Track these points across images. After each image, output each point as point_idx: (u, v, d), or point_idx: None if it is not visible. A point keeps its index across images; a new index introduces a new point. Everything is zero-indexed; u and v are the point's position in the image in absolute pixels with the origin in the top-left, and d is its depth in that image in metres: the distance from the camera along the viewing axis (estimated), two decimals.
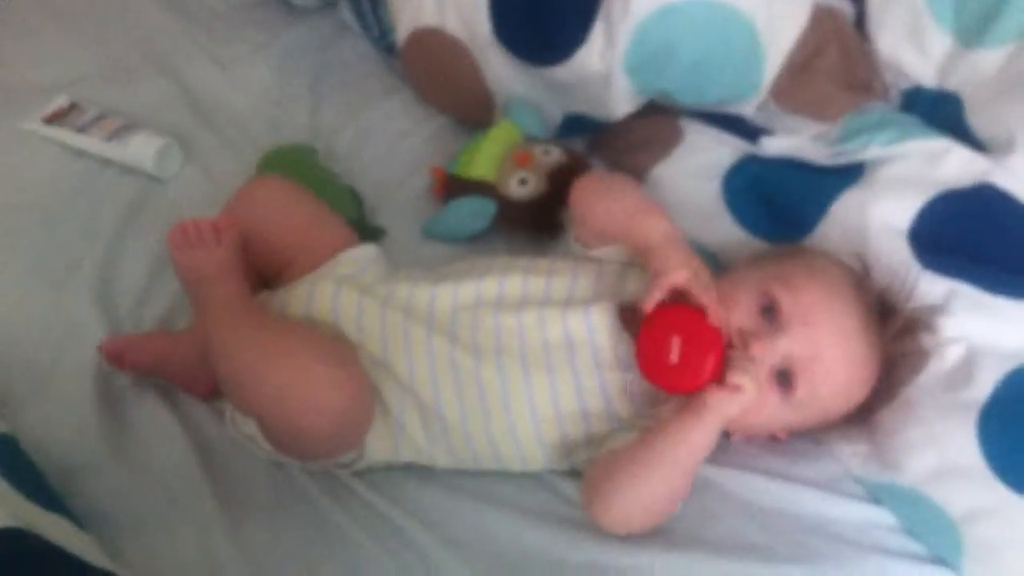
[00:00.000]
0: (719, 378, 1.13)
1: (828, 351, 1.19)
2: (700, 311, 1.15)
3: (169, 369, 1.37)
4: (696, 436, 1.14)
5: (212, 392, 1.36)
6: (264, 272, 1.41)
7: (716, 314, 1.15)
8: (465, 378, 1.24)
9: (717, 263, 1.46)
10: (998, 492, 1.14)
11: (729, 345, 1.16)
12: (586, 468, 1.24)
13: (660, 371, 1.16)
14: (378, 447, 1.27)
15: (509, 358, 1.24)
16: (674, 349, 1.14)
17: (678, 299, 1.17)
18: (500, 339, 1.25)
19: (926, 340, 1.24)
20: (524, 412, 1.24)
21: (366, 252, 1.43)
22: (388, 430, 1.26)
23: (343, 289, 1.32)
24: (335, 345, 1.26)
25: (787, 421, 1.25)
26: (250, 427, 1.26)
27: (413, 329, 1.27)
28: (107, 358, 1.37)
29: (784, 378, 1.19)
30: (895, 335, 1.24)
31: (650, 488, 1.17)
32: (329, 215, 1.46)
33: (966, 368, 1.20)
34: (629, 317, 1.24)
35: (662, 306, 1.16)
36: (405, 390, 1.26)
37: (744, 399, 1.12)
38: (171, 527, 1.23)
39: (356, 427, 1.23)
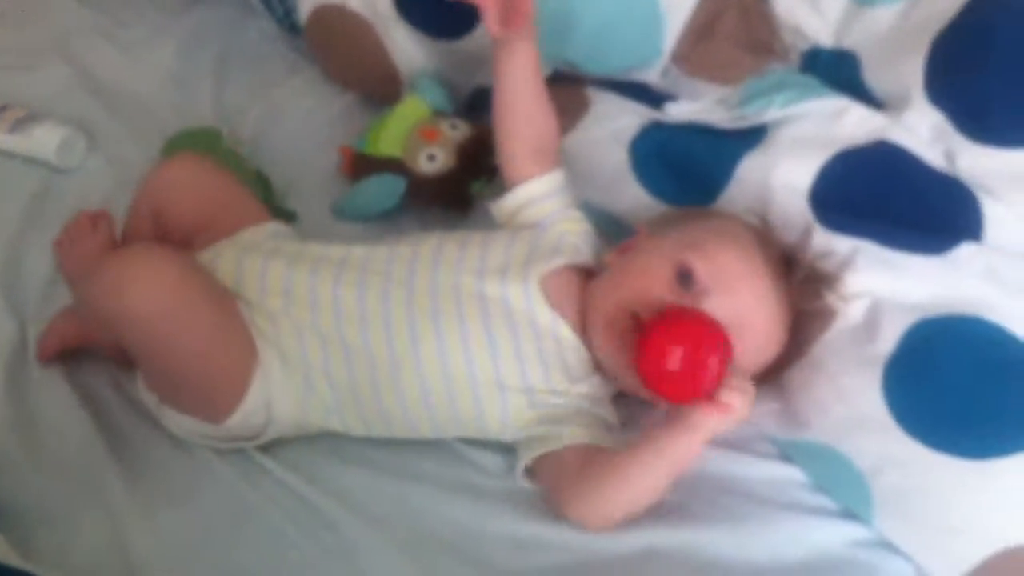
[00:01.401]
0: (714, 391, 1.11)
1: (749, 311, 1.20)
2: (702, 318, 1.15)
3: (91, 339, 1.37)
4: (683, 451, 1.14)
5: None
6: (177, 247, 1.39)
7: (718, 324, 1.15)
8: (372, 329, 1.24)
9: (627, 231, 1.47)
10: (904, 443, 1.15)
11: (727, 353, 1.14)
12: (548, 467, 1.22)
13: (660, 377, 1.13)
14: (284, 407, 1.26)
15: (420, 310, 1.24)
16: (675, 357, 1.11)
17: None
18: (412, 288, 1.25)
19: (831, 298, 1.25)
20: (433, 360, 1.23)
21: (273, 227, 1.43)
22: (293, 386, 1.25)
23: (248, 253, 1.32)
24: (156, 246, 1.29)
25: None
26: (149, 394, 1.28)
27: (320, 275, 1.27)
28: (48, 355, 1.37)
29: None
30: (800, 285, 1.25)
31: (636, 495, 1.17)
32: (243, 192, 1.46)
33: (871, 323, 1.22)
34: (551, 286, 1.26)
35: (667, 312, 1.16)
36: (309, 343, 1.25)
37: (736, 419, 1.12)
38: (80, 517, 1.21)
39: (197, 334, 1.20)
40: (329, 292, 1.25)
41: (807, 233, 1.29)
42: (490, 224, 1.42)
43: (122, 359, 1.33)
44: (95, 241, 1.35)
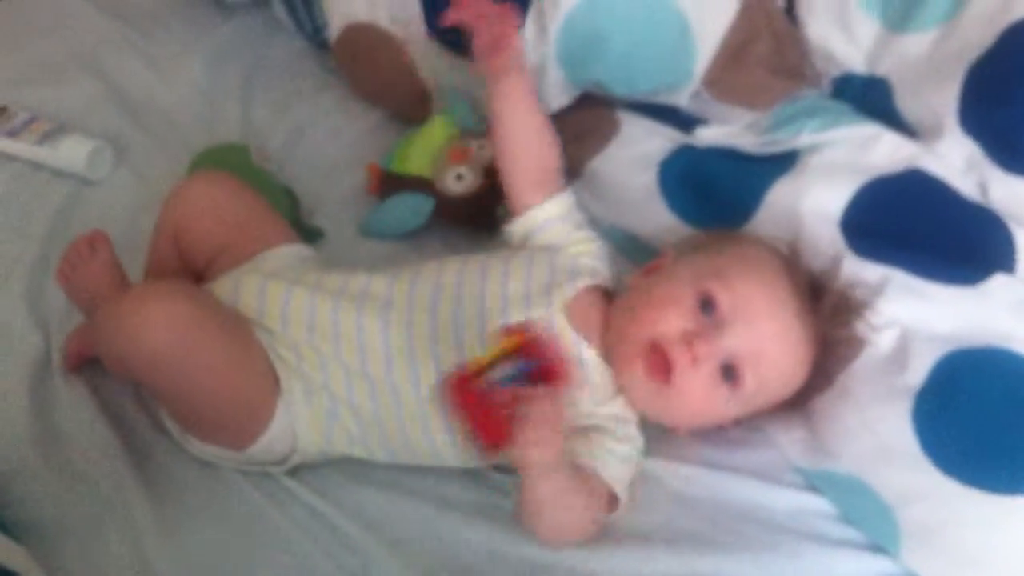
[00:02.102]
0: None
1: (771, 343, 1.19)
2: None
3: None
4: (533, 487, 1.11)
5: None
6: (199, 268, 1.40)
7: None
8: (396, 364, 1.23)
9: (653, 254, 1.46)
10: (933, 477, 1.15)
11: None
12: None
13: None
14: (309, 435, 1.25)
15: (444, 344, 1.23)
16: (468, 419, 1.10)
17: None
18: (436, 320, 1.24)
19: (860, 327, 1.24)
20: None
21: (298, 250, 1.43)
22: (317, 416, 1.25)
23: (270, 282, 1.30)
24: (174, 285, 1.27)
25: (736, 414, 1.25)
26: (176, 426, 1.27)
27: (343, 308, 1.26)
28: (72, 363, 1.38)
29: (730, 373, 1.19)
30: (828, 315, 1.24)
31: (547, 523, 1.16)
32: (266, 210, 1.45)
33: (900, 354, 1.21)
34: (575, 310, 1.26)
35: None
36: (333, 374, 1.24)
37: (543, 451, 1.07)
38: (102, 532, 1.21)
39: (213, 366, 1.19)
40: (353, 327, 1.25)
41: (837, 261, 1.27)
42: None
43: None
44: (96, 264, 1.35)
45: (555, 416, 1.06)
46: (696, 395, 1.19)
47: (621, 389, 1.25)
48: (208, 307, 1.22)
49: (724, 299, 1.19)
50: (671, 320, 1.19)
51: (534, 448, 1.05)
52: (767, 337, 1.19)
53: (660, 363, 1.18)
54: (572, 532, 1.18)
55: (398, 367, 1.23)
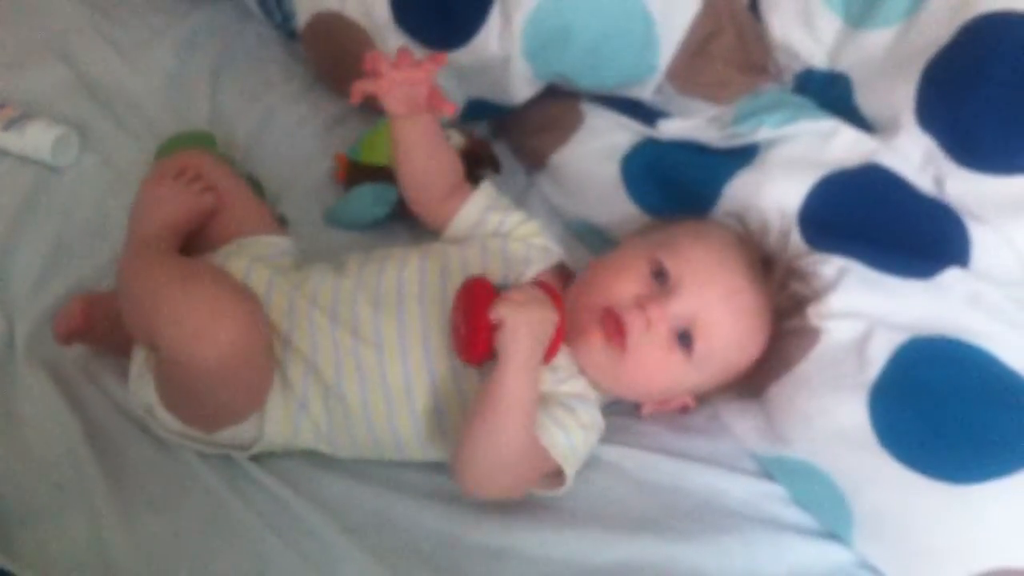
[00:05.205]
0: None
1: (719, 306, 1.22)
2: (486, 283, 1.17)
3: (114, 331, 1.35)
4: (509, 383, 1.12)
5: None
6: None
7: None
8: (368, 372, 1.23)
9: (614, 245, 1.47)
10: (887, 465, 1.16)
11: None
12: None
13: (460, 346, 1.17)
14: (277, 426, 1.25)
15: (414, 346, 1.23)
16: (461, 323, 1.16)
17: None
18: (403, 329, 1.25)
19: (817, 317, 1.25)
20: (426, 396, 1.23)
21: (283, 242, 1.43)
22: (288, 408, 1.25)
23: (256, 266, 1.31)
24: (239, 283, 1.24)
25: (693, 382, 1.27)
26: (148, 393, 1.25)
27: (317, 318, 1.26)
28: (67, 331, 1.34)
29: (685, 338, 1.21)
30: (778, 286, 1.27)
31: (493, 441, 1.13)
32: (254, 197, 1.47)
33: (857, 344, 1.22)
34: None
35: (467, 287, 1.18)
36: (309, 367, 1.24)
37: (517, 331, 1.11)
38: (61, 518, 1.21)
39: (248, 374, 1.20)
40: (328, 339, 1.25)
41: (785, 234, 1.31)
42: None
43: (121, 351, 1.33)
44: (205, 198, 1.37)
45: (547, 311, 1.15)
46: (652, 360, 1.21)
47: (582, 367, 1.26)
48: (261, 319, 1.21)
49: (673, 266, 1.22)
50: (624, 287, 1.22)
51: (523, 330, 1.11)
52: (717, 300, 1.22)
53: (615, 329, 1.20)
54: (503, 482, 1.18)
55: (371, 382, 1.23)
